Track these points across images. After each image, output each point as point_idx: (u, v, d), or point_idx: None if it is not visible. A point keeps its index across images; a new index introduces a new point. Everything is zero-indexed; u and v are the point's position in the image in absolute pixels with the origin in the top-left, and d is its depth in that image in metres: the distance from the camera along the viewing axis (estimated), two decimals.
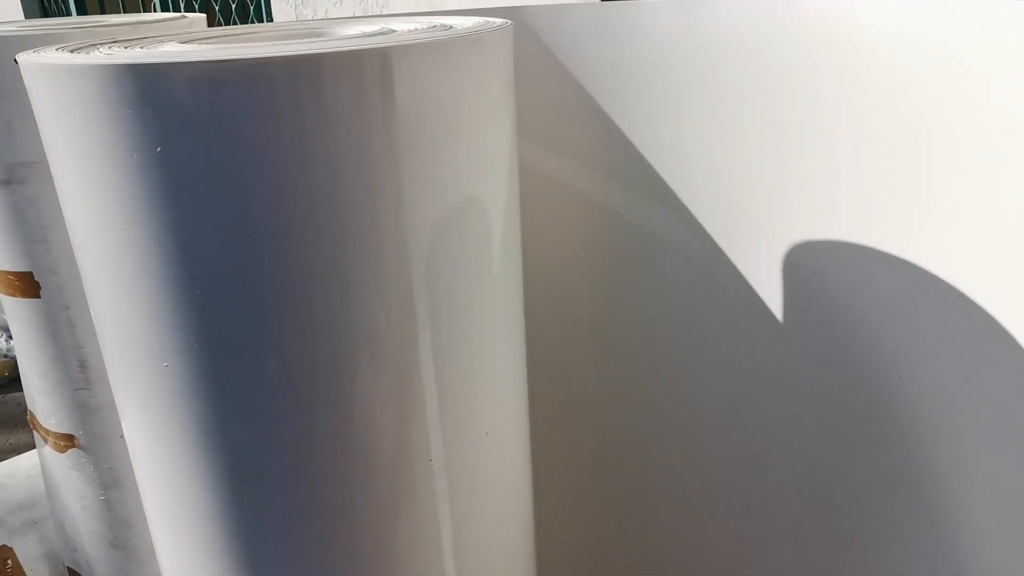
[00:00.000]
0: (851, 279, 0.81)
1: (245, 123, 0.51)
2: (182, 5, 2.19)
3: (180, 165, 0.52)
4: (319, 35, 0.73)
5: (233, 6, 2.00)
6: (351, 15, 1.53)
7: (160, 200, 0.53)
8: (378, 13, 1.46)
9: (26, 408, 2.49)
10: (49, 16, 3.07)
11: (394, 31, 0.67)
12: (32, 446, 2.10)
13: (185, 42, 0.67)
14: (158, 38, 0.71)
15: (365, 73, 0.53)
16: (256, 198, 0.53)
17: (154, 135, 0.51)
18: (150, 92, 0.50)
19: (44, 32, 0.99)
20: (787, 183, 0.83)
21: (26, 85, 0.57)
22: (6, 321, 2.80)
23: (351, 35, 0.67)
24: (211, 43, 0.66)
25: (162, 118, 0.51)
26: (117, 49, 0.62)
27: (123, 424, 0.71)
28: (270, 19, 1.78)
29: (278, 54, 0.51)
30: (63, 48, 0.61)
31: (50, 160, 0.59)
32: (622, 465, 1.09)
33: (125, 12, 2.67)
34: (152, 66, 0.50)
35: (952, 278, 0.73)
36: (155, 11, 2.34)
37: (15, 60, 0.58)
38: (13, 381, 2.65)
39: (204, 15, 1.22)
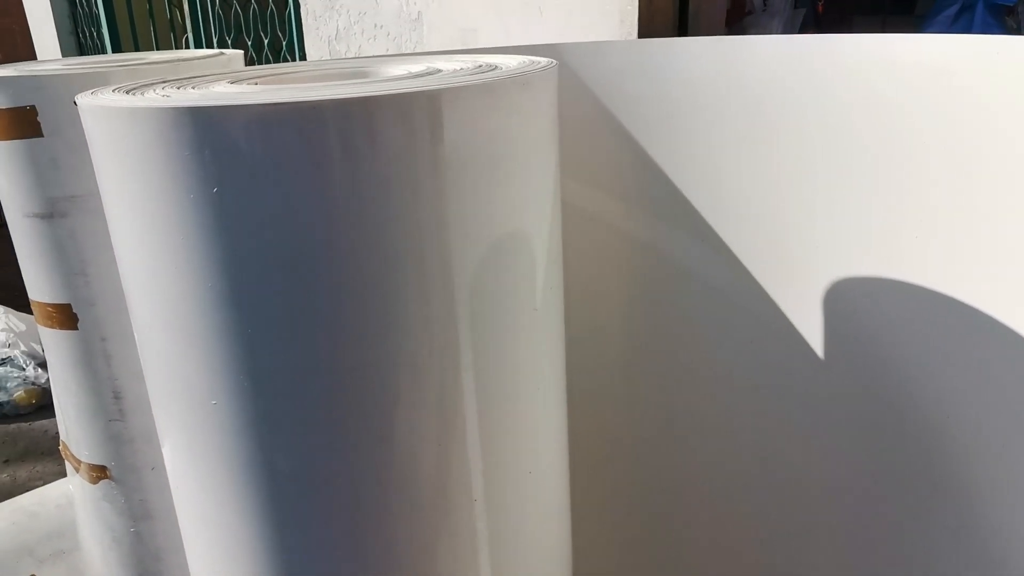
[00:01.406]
0: (897, 317, 0.80)
1: (299, 164, 0.52)
2: (215, 41, 2.23)
3: (234, 205, 0.53)
4: (365, 75, 0.74)
5: (266, 42, 2.04)
6: (384, 51, 1.55)
7: (214, 240, 0.54)
8: (411, 50, 1.48)
9: (52, 437, 2.50)
10: (85, 52, 3.15)
11: (440, 71, 0.68)
12: (59, 475, 2.11)
13: (235, 82, 0.68)
14: (207, 77, 0.72)
15: (415, 115, 0.54)
16: (307, 237, 0.54)
17: (210, 176, 0.52)
18: (208, 134, 0.51)
19: (89, 71, 1.01)
20: (827, 219, 0.82)
21: (84, 126, 0.58)
22: (33, 349, 2.83)
23: (398, 75, 0.68)
24: (260, 83, 0.67)
25: (218, 159, 0.51)
26: (171, 90, 0.63)
27: (165, 456, 0.71)
28: (303, 55, 1.81)
29: (331, 97, 0.51)
30: (118, 89, 0.63)
31: (104, 199, 0.60)
32: (661, 500, 1.07)
33: (159, 48, 2.73)
34: (210, 109, 0.50)
35: (1002, 316, 0.72)
36: (188, 47, 2.39)
37: (75, 102, 0.59)
38: (40, 409, 2.68)
39: (241, 52, 1.24)
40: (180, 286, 0.56)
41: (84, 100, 0.57)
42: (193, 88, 0.64)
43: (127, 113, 0.52)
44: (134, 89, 0.63)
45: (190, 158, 0.51)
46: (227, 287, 0.54)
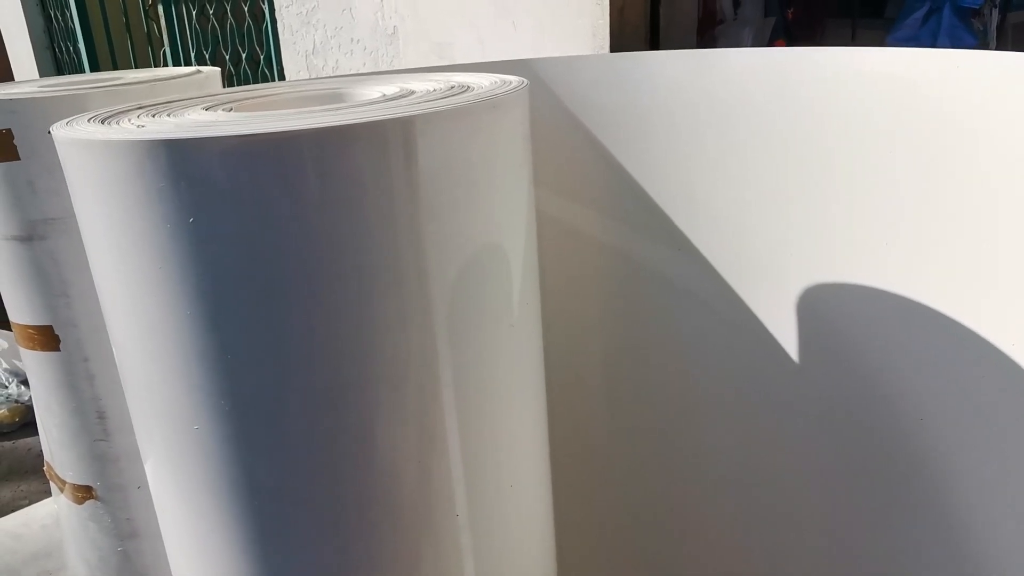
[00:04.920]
0: (868, 322, 0.81)
1: (274, 193, 0.53)
2: (193, 56, 2.23)
3: (210, 234, 0.53)
4: (339, 98, 0.75)
5: (244, 56, 2.04)
6: (361, 65, 1.56)
7: (191, 268, 0.54)
8: (387, 64, 1.49)
9: (37, 455, 2.48)
10: (61, 68, 3.13)
11: (413, 92, 0.69)
12: (44, 493, 2.10)
13: (209, 108, 0.68)
14: (182, 102, 0.73)
15: (389, 142, 0.55)
16: (284, 264, 0.55)
17: (186, 206, 0.52)
18: (183, 166, 0.51)
19: (65, 94, 1.01)
20: (800, 227, 0.84)
21: (60, 157, 0.59)
22: (16, 366, 2.81)
23: (372, 99, 0.69)
24: (235, 109, 0.68)
25: (194, 190, 0.52)
26: (146, 118, 0.63)
27: (148, 478, 0.72)
28: (280, 69, 1.81)
29: (305, 127, 0.52)
30: (94, 119, 0.63)
31: (82, 228, 0.61)
32: (642, 507, 1.09)
33: (137, 66, 2.72)
34: (185, 142, 0.51)
35: (971, 321, 0.74)
36: (166, 63, 2.39)
37: (49, 132, 0.59)
38: (24, 427, 2.66)
39: (218, 69, 1.25)
40: (158, 313, 0.56)
41: (59, 132, 0.58)
42: (169, 115, 0.65)
43: (102, 145, 0.53)
44: (109, 118, 0.64)
45: (166, 189, 0.52)
46: (205, 314, 0.55)
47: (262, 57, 1.98)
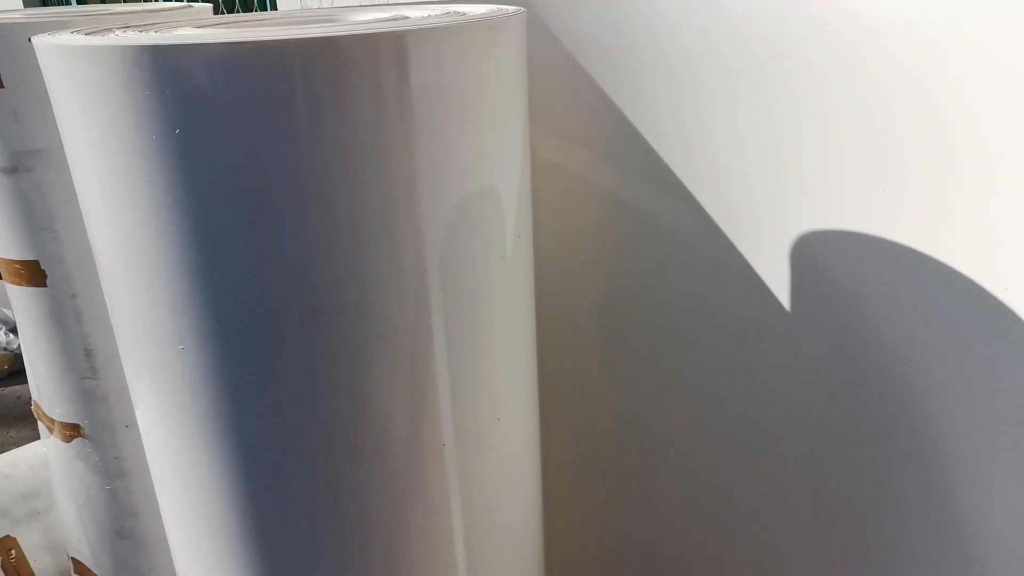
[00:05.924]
0: (861, 269, 0.81)
1: (261, 105, 0.51)
2: None
3: (196, 147, 0.52)
4: (333, 21, 0.73)
5: None
6: (358, 4, 1.52)
7: (177, 182, 0.53)
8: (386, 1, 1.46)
9: (26, 402, 2.48)
10: (49, 4, 3.06)
11: (408, 18, 0.68)
12: (32, 439, 2.10)
13: (200, 27, 0.67)
14: (171, 23, 0.71)
15: (380, 56, 0.53)
16: (271, 180, 0.53)
17: (172, 117, 0.51)
18: (169, 73, 0.50)
19: (51, 20, 0.99)
20: (797, 173, 0.83)
21: (41, 67, 0.57)
22: (4, 314, 2.79)
23: (365, 20, 0.67)
24: (226, 27, 0.66)
25: (180, 100, 0.51)
26: (132, 32, 0.62)
27: (136, 410, 0.71)
28: (275, 9, 1.78)
29: (294, 36, 0.51)
30: (78, 31, 0.61)
31: (65, 143, 0.59)
32: (631, 454, 1.09)
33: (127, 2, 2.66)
34: (171, 48, 0.50)
35: (965, 267, 0.74)
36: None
37: (29, 40, 0.57)
38: (13, 375, 2.65)
39: (210, 4, 1.22)
40: (143, 228, 0.55)
41: (41, 40, 0.56)
42: (155, 31, 0.63)
43: (86, 51, 0.51)
44: (94, 32, 0.62)
45: (151, 98, 0.50)
46: (190, 229, 0.54)
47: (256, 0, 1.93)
